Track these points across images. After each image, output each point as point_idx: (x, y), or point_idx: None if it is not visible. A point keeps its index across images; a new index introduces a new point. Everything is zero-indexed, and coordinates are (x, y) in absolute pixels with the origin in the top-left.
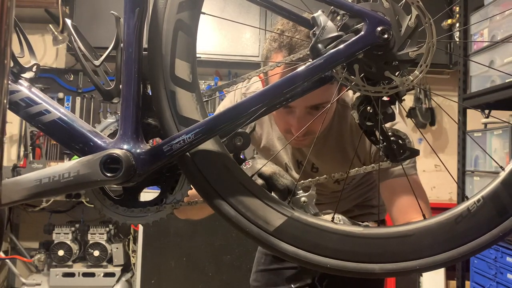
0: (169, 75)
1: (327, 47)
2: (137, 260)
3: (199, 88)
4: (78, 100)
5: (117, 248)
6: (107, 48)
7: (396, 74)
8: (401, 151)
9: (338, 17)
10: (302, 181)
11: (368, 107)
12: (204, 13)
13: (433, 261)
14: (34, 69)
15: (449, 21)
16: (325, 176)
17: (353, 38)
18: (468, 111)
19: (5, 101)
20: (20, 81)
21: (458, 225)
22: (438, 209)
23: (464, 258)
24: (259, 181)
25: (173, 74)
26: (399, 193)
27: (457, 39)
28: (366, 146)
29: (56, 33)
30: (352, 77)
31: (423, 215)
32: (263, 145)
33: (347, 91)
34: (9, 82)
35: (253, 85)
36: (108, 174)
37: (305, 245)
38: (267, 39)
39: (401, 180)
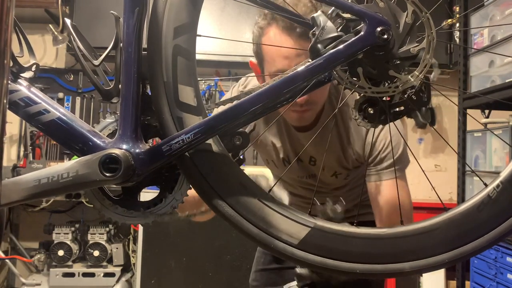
0: (170, 74)
1: (327, 47)
2: (137, 260)
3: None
4: (78, 100)
5: (117, 248)
6: (107, 48)
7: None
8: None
9: (338, 18)
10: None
11: (369, 109)
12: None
13: (460, 253)
14: (33, 68)
15: (449, 21)
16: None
17: (353, 39)
18: (468, 111)
19: (5, 101)
20: (19, 80)
21: (481, 213)
22: (438, 209)
23: (493, 245)
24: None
25: (174, 73)
26: (383, 197)
27: (457, 39)
28: (362, 142)
29: (56, 33)
30: (354, 79)
31: (401, 221)
32: (259, 142)
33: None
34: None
35: (251, 83)
36: (107, 174)
37: (332, 253)
38: (255, 23)
39: (385, 182)
